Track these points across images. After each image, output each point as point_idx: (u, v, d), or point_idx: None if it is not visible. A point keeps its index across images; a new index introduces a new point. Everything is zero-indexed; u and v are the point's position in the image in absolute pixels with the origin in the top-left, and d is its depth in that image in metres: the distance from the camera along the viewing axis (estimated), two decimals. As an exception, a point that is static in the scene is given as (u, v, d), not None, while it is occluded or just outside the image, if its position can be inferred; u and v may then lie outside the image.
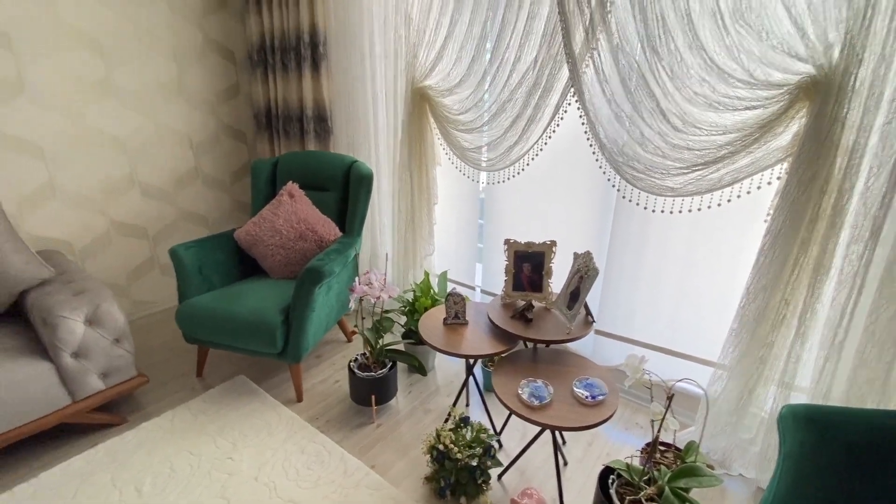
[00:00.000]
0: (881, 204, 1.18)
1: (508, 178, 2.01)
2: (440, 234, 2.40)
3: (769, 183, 1.39)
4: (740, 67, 1.31)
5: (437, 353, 2.26)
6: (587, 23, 1.55)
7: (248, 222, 2.25)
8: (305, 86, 2.49)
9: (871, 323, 1.24)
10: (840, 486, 0.90)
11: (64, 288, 1.74)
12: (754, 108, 1.32)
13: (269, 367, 2.25)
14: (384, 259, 2.49)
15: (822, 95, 1.21)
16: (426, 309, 2.05)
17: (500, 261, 2.20)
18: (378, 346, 1.85)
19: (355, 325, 2.07)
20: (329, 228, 2.22)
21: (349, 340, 2.46)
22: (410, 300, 2.08)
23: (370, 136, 2.42)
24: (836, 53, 1.18)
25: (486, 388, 2.01)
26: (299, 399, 1.98)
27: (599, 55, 1.54)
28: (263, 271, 2.33)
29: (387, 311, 2.03)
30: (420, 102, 2.12)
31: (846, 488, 0.90)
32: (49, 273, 1.79)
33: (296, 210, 2.22)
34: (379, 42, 2.22)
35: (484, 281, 2.38)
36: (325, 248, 2.14)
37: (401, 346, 2.19)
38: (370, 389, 1.83)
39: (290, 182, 2.29)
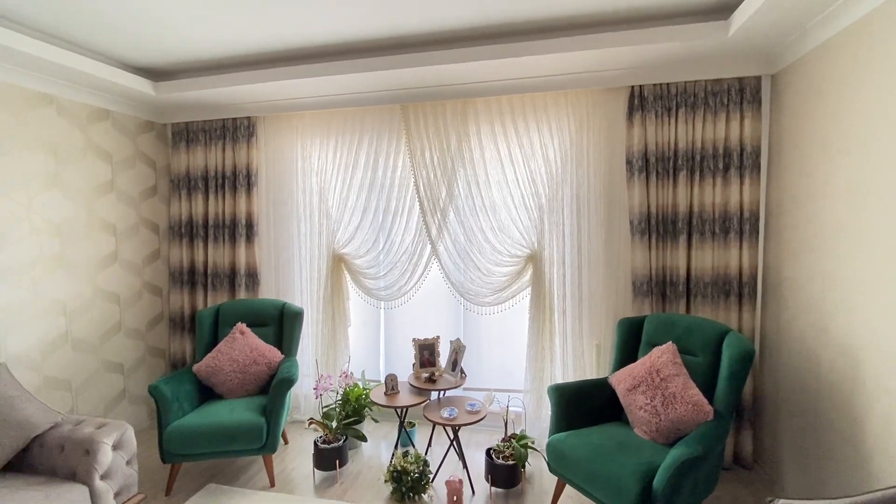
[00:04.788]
0: (562, 304, 2.97)
1: (400, 305, 3.33)
2: (353, 345, 3.47)
3: (527, 296, 3.09)
4: (505, 249, 3.05)
5: (368, 426, 3.18)
6: (437, 225, 3.15)
7: (205, 357, 2.91)
8: (239, 252, 3.43)
9: (571, 352, 2.96)
10: (571, 410, 2.39)
11: (85, 424, 2.17)
12: (513, 265, 3.05)
13: (231, 471, 2.77)
14: (315, 364, 3.37)
15: (536, 260, 3.01)
16: (357, 397, 3.04)
17: (398, 359, 3.41)
18: (337, 425, 2.75)
19: (310, 418, 2.86)
20: (274, 353, 3.06)
21: (286, 443, 3.15)
22: (345, 393, 3.04)
23: (295, 283, 3.46)
24: (537, 245, 3.00)
25: (404, 444, 3.03)
26: (272, 484, 2.62)
27: (445, 241, 3.14)
28: (216, 396, 2.93)
29: (326, 406, 2.95)
30: (338, 262, 3.36)
31: (573, 410, 2.39)
32: (59, 417, 2.18)
33: (247, 342, 3.02)
34: (304, 225, 3.43)
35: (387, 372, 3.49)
36: (274, 367, 2.98)
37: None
38: (334, 456, 2.67)
39: (239, 323, 3.09)
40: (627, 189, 2.81)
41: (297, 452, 3.06)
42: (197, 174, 3.52)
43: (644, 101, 2.74)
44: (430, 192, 3.12)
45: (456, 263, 3.14)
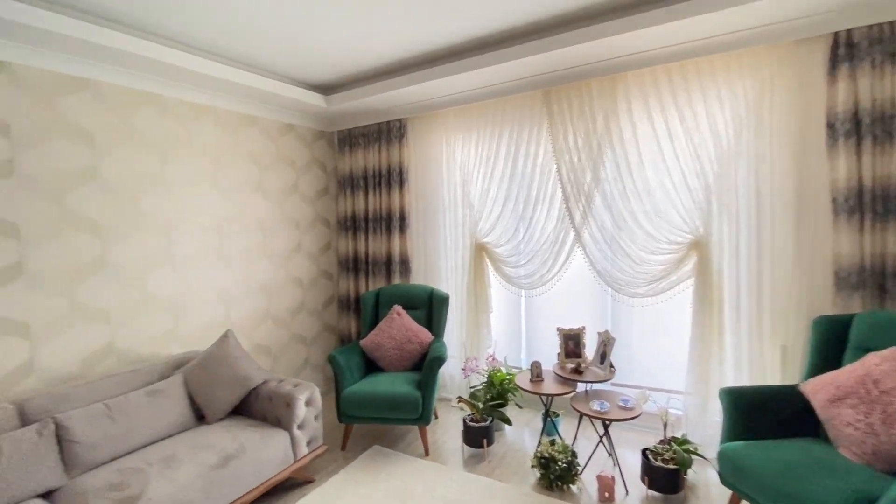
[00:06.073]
0: (735, 298, 2.59)
1: (541, 293, 3.30)
2: (494, 332, 3.56)
3: (690, 287, 2.77)
4: (662, 236, 2.78)
5: (510, 411, 3.25)
6: (582, 211, 3.02)
7: (370, 334, 3.30)
8: (393, 243, 3.78)
9: (747, 353, 2.56)
10: (749, 418, 2.08)
11: (285, 382, 2.65)
12: (672, 252, 2.76)
13: (390, 438, 3.11)
14: (461, 348, 3.57)
15: (700, 247, 2.67)
16: (501, 381, 3.12)
17: (538, 348, 3.38)
18: (484, 406, 2.87)
19: (458, 397, 3.06)
20: (425, 334, 3.31)
21: (436, 417, 3.40)
22: (489, 376, 3.15)
23: (441, 271, 3.69)
24: (702, 230, 2.67)
25: (549, 433, 3.01)
26: (427, 453, 2.86)
27: (591, 227, 3.00)
28: (377, 368, 3.31)
29: (473, 387, 3.08)
30: (479, 251, 3.47)
31: (751, 418, 2.08)
32: (268, 375, 2.71)
33: (403, 323, 3.32)
34: (449, 217, 3.62)
35: (528, 360, 3.50)
36: (426, 346, 3.22)
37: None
38: (481, 435, 2.79)
39: (396, 305, 3.42)
40: (829, 159, 2.30)
41: (446, 428, 3.28)
42: (358, 174, 3.98)
43: (853, 48, 2.21)
44: (573, 176, 3.01)
45: (602, 251, 2.98)
